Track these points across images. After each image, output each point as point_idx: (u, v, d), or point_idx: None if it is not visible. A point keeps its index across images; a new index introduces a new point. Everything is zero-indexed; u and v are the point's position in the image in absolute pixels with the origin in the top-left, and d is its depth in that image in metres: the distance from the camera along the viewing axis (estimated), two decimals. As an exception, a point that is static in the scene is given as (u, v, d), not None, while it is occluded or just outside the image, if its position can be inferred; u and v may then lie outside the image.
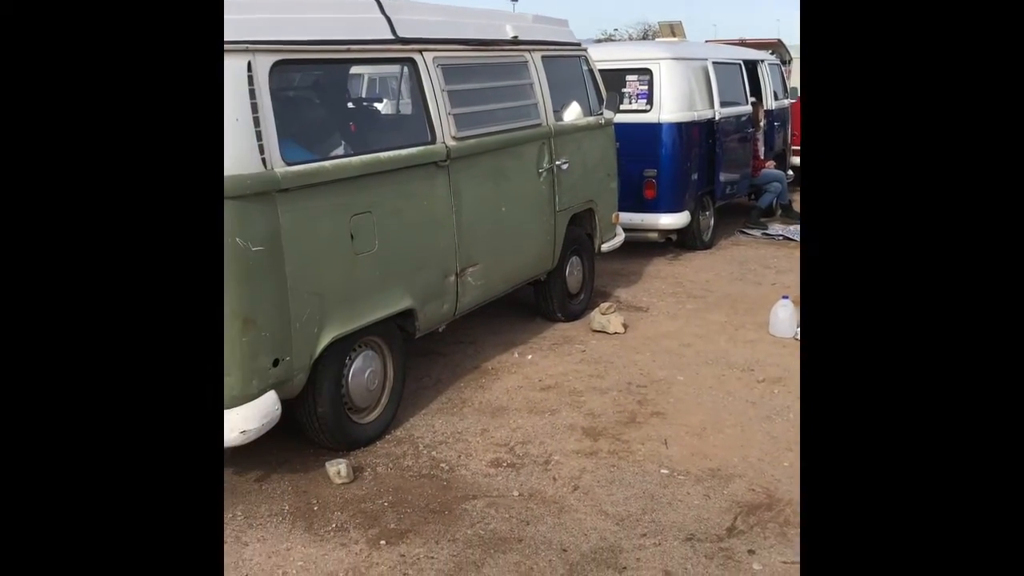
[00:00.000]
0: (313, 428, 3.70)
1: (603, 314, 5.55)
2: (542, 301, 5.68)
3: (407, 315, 4.06)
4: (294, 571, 2.97)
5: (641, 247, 7.68)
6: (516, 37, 4.93)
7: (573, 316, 5.75)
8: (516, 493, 3.47)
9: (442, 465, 3.72)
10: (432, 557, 3.04)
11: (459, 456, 3.80)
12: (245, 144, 3.13)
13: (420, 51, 4.13)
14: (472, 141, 4.37)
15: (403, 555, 3.05)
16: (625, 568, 2.96)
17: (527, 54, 5.02)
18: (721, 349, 5.19)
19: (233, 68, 3.12)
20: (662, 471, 3.64)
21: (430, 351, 5.08)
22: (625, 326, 5.53)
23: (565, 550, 3.07)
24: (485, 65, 4.69)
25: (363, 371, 3.86)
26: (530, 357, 5.08)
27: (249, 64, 3.16)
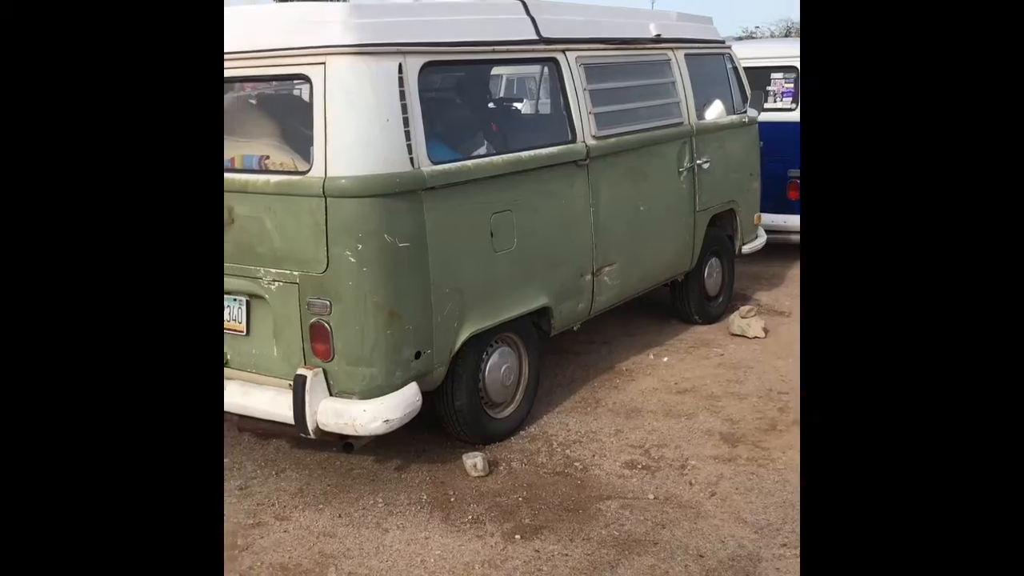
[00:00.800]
0: (451, 420, 3.79)
1: (743, 317, 5.40)
2: (679, 303, 5.58)
3: (543, 313, 4.09)
4: (432, 560, 3.05)
5: (783, 250, 7.41)
6: (659, 35, 4.88)
7: (711, 319, 5.63)
8: (651, 496, 3.43)
9: (576, 464, 3.72)
10: (566, 555, 3.05)
11: (593, 456, 3.80)
12: (395, 144, 3.23)
13: (563, 51, 4.15)
14: (612, 140, 4.35)
15: (537, 551, 3.08)
16: (764, 579, 2.88)
17: (670, 52, 4.95)
18: (869, 358, 4.95)
19: (384, 70, 3.23)
20: (804, 481, 3.50)
21: (564, 350, 5.10)
22: (766, 330, 5.37)
23: (702, 556, 3.01)
24: (627, 64, 4.66)
25: (499, 366, 3.91)
26: (666, 359, 5.01)
27: (400, 66, 3.27)
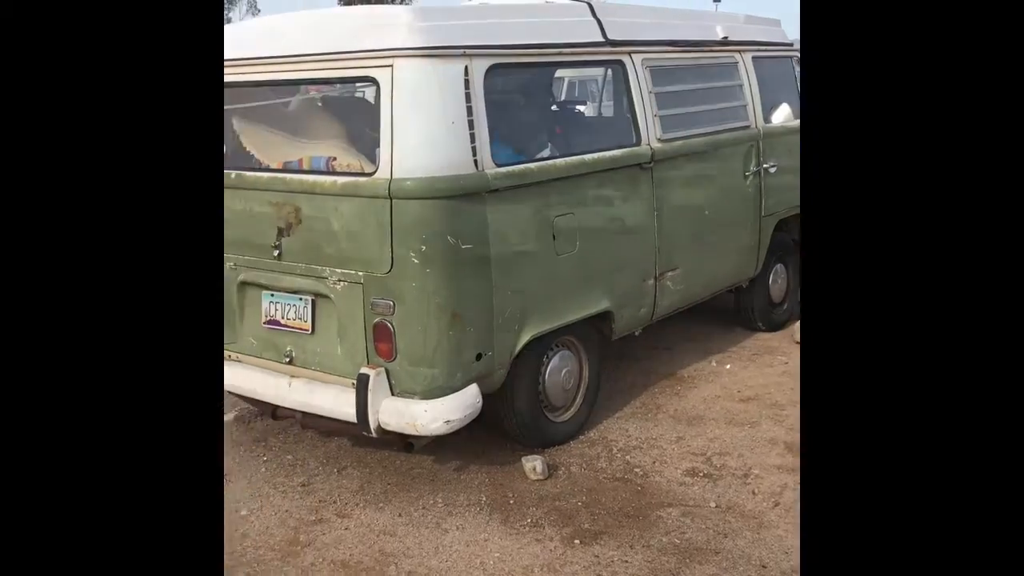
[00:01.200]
0: (511, 423, 3.78)
1: (808, 325, 5.28)
2: (742, 309, 5.49)
3: (604, 317, 4.06)
4: (491, 562, 3.05)
5: (850, 257, 7.25)
6: (726, 38, 4.81)
7: (775, 326, 5.52)
8: (713, 504, 3.38)
9: (636, 470, 3.69)
10: (626, 561, 3.02)
11: (653, 462, 3.75)
12: (460, 146, 3.24)
13: (629, 53, 4.12)
14: (678, 143, 4.30)
15: (597, 556, 3.05)
16: (830, 593, 2.80)
17: (737, 55, 4.88)
18: (941, 369, 4.81)
19: (451, 72, 3.25)
20: (872, 495, 3.41)
21: (625, 355, 5.05)
22: (832, 339, 5.24)
23: (764, 566, 2.95)
24: (693, 66, 4.60)
25: (559, 370, 3.89)
26: (728, 366, 4.93)
27: (466, 68, 3.28)
